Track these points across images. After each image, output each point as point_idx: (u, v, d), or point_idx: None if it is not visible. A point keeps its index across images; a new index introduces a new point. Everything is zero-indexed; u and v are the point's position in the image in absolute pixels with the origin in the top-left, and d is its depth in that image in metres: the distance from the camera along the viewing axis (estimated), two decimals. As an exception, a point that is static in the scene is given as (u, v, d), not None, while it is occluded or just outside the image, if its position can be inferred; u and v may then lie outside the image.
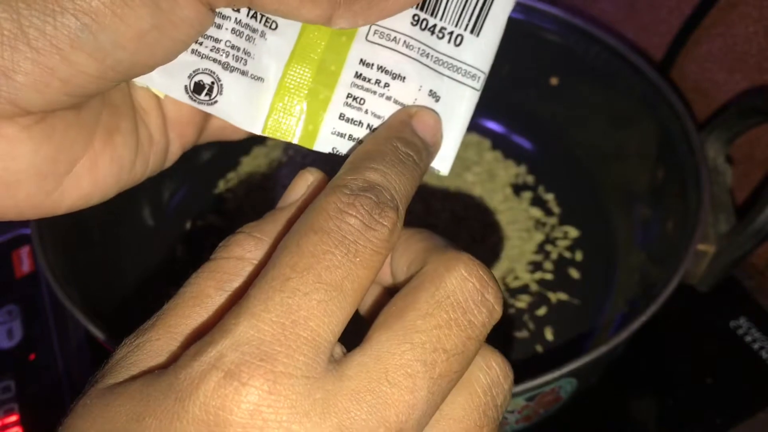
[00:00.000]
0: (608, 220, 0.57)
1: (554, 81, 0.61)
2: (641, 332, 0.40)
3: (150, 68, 0.23)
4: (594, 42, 0.56)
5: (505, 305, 0.53)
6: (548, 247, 0.57)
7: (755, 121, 0.50)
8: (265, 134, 0.25)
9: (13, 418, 0.48)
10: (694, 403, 0.49)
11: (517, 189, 0.61)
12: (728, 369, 0.51)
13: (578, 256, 0.56)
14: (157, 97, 0.26)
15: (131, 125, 0.25)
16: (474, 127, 0.65)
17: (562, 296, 0.54)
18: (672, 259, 0.44)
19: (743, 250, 0.46)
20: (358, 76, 0.25)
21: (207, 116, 0.27)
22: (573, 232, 0.58)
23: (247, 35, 0.25)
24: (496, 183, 0.60)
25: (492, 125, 0.65)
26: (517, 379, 0.36)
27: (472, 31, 0.25)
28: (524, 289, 0.54)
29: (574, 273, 0.55)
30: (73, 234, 0.49)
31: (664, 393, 0.50)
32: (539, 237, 0.57)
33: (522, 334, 0.52)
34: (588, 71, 0.58)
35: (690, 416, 0.48)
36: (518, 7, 0.59)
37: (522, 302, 0.53)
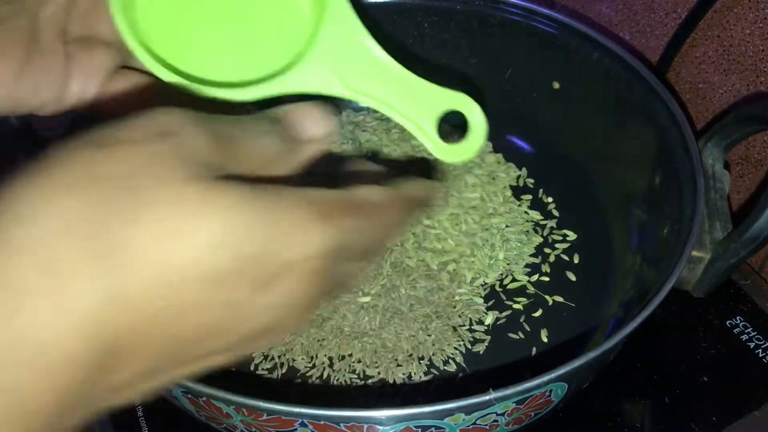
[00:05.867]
0: (606, 224, 0.58)
1: (556, 85, 0.61)
2: (637, 330, 0.40)
3: None
4: (595, 46, 0.56)
5: (502, 307, 0.54)
6: (546, 250, 0.57)
7: (754, 129, 0.50)
8: None
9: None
10: (691, 401, 0.49)
11: (517, 192, 0.61)
12: (724, 367, 0.51)
13: (576, 259, 0.56)
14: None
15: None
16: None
17: (559, 299, 0.54)
18: (666, 264, 0.44)
19: (738, 257, 0.46)
20: None
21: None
22: (571, 235, 0.58)
23: None
24: (497, 185, 0.60)
25: (494, 128, 0.65)
26: (511, 381, 0.36)
27: None
28: (521, 291, 0.54)
29: (571, 276, 0.55)
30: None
31: (661, 391, 0.50)
32: (538, 240, 0.58)
33: (518, 336, 0.52)
34: (589, 75, 0.58)
35: (686, 414, 0.49)
36: (519, 11, 0.60)
37: (518, 304, 0.54)
